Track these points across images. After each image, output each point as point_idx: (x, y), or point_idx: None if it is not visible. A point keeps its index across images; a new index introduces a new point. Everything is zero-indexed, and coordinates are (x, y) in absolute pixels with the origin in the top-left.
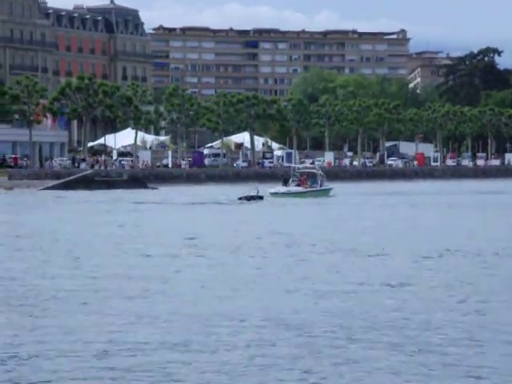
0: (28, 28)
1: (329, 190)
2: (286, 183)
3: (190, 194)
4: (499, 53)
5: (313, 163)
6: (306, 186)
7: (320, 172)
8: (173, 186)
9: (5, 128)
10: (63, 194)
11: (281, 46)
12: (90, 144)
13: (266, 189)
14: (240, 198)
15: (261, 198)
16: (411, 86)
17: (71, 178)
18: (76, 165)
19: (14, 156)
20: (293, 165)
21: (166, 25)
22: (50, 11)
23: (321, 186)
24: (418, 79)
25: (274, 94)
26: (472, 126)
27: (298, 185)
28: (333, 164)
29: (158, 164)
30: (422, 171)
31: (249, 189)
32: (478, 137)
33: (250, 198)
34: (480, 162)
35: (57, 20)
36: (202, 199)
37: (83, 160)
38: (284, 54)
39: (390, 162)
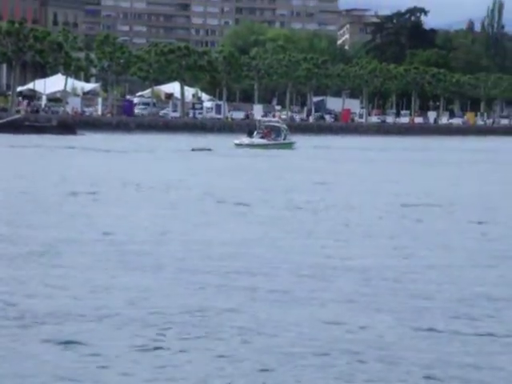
0: None
1: (292, 143)
2: (250, 135)
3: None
4: (426, 12)
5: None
6: (270, 139)
7: (284, 126)
8: (102, 133)
9: None
10: None
11: None
12: (20, 89)
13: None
14: (193, 149)
15: (209, 149)
16: (340, 42)
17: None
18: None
19: None
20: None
21: None
22: None
23: (284, 140)
24: (347, 36)
25: (205, 45)
26: (397, 84)
27: (263, 137)
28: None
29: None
30: (347, 127)
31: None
32: (403, 94)
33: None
34: (405, 120)
35: None
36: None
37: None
38: (216, 6)
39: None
